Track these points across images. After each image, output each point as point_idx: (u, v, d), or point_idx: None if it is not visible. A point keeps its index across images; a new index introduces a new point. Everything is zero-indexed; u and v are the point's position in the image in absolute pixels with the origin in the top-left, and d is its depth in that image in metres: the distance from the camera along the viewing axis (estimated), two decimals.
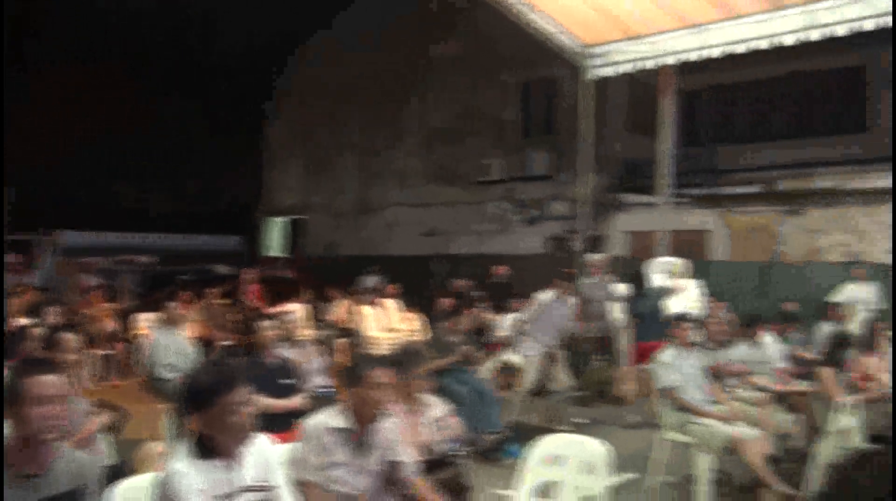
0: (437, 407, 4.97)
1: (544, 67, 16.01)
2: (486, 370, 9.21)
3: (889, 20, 9.81)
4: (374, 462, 3.80)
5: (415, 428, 4.65)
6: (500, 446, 7.24)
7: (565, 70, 13.53)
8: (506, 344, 9.99)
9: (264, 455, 3.25)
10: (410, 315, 11.82)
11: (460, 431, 5.07)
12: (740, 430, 5.98)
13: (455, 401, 5.97)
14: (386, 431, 3.87)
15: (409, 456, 3.95)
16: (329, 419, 3.83)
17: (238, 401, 3.04)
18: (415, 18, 19.60)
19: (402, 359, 4.86)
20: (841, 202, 14.15)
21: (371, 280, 14.01)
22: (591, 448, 4.61)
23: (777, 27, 10.59)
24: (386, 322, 11.45)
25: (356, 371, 3.87)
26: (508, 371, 9.20)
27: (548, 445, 4.70)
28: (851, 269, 11.28)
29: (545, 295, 9.18)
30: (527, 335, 9.27)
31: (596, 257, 10.63)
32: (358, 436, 3.79)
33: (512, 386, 8.96)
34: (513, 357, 9.27)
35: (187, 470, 2.97)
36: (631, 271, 10.34)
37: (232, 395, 3.03)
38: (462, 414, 5.76)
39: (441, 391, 6.35)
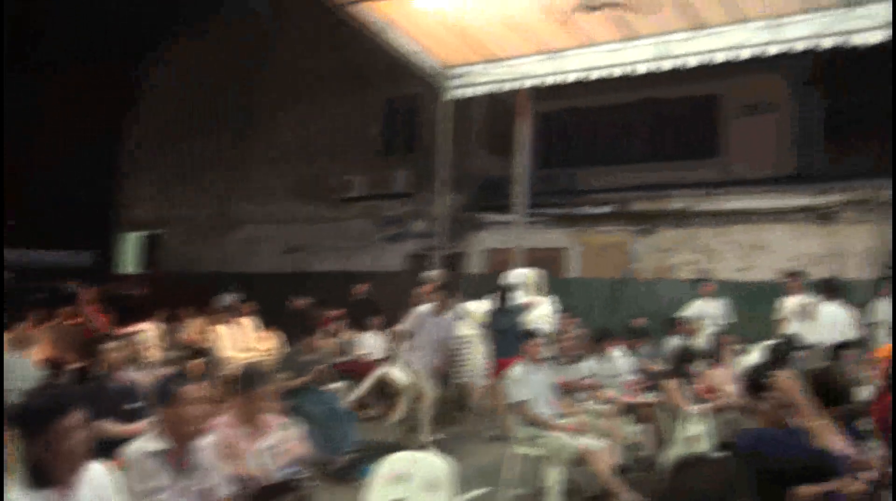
0: (282, 428, 4.83)
1: (406, 85, 16.09)
2: (363, 387, 9.09)
3: (739, 53, 10.38)
4: (196, 483, 3.64)
5: (254, 450, 4.50)
6: (356, 466, 7.13)
7: (427, 89, 13.65)
8: (383, 361, 9.91)
9: (100, 484, 3.10)
10: (267, 334, 11.58)
11: (306, 452, 4.93)
12: (588, 442, 6.09)
13: (309, 421, 5.85)
14: (206, 450, 3.73)
15: (228, 476, 3.82)
16: (147, 443, 3.65)
17: (71, 426, 2.88)
18: (279, 33, 19.40)
19: (244, 379, 4.71)
20: (692, 223, 14.72)
21: (228, 298, 13.66)
22: (435, 465, 4.59)
23: (630, 56, 11.02)
24: (242, 342, 11.17)
25: (167, 390, 3.71)
26: (385, 389, 9.11)
27: (393, 463, 4.65)
28: (699, 286, 11.71)
29: (423, 308, 9.11)
30: (413, 350, 9.15)
31: (432, 275, 10.71)
32: (177, 457, 3.62)
33: (390, 404, 8.86)
34: (394, 373, 9.17)
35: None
36: (490, 288, 10.42)
37: (65, 420, 2.88)
38: (316, 434, 5.64)
39: (294, 411, 6.23)
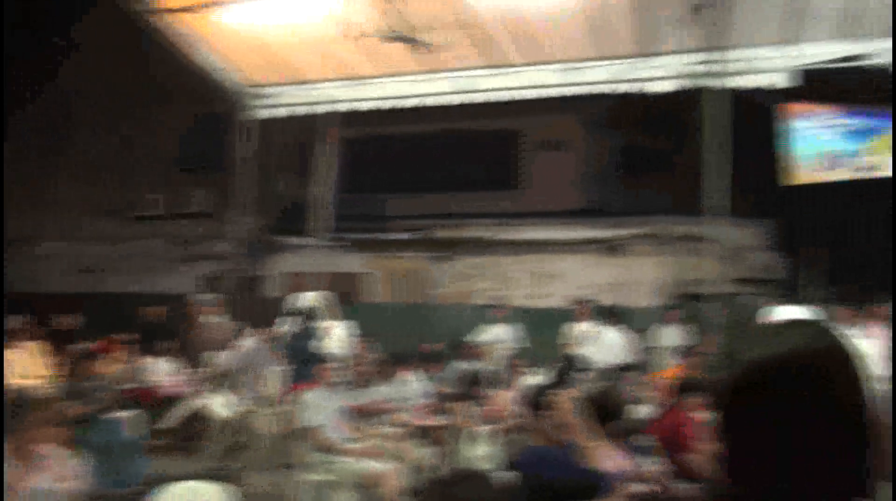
0: (60, 461, 4.57)
1: (211, 103, 15.70)
2: (174, 418, 8.73)
3: (537, 92, 10.90)
4: None
5: (27, 484, 4.24)
6: (139, 499, 6.84)
7: (232, 108, 13.42)
8: (194, 390, 9.58)
9: None
10: (56, 359, 10.95)
11: (86, 485, 4.70)
12: (376, 465, 6.14)
13: (92, 452, 5.58)
14: None
15: None
16: None
17: None
18: (78, 44, 18.50)
19: (13, 409, 4.42)
20: (491, 251, 15.17)
21: (14, 321, 12.80)
22: (211, 494, 4.48)
23: (433, 88, 11.31)
24: (28, 367, 10.51)
25: None
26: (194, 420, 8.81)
27: (171, 494, 4.50)
28: (493, 311, 12.05)
29: (248, 341, 8.86)
30: (240, 384, 8.87)
31: (208, 298, 10.56)
32: None
33: (203, 436, 8.56)
34: (212, 406, 8.84)
35: None
36: (286, 312, 10.33)
37: None
38: (100, 466, 5.39)
39: (77, 442, 5.92)
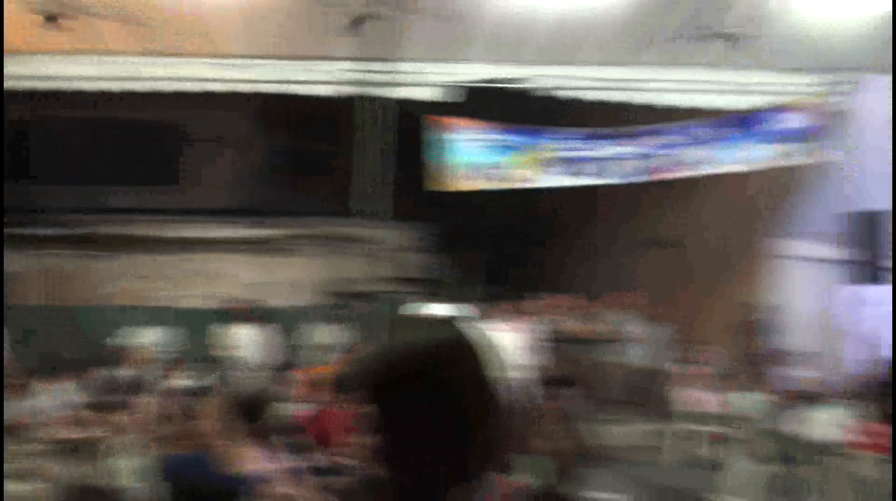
0: None
1: None
2: None
3: (203, 86, 10.66)
4: None
5: None
6: None
7: None
8: None
9: None
10: None
11: None
12: (18, 487, 5.79)
13: None
14: None
15: None
16: None
17: None
18: None
19: None
20: (151, 249, 14.65)
21: None
22: None
23: (86, 71, 10.65)
24: None
25: None
26: None
27: None
28: (151, 313, 11.71)
29: None
30: None
31: None
32: None
33: None
34: None
35: None
36: None
37: None
38: None
39: None
